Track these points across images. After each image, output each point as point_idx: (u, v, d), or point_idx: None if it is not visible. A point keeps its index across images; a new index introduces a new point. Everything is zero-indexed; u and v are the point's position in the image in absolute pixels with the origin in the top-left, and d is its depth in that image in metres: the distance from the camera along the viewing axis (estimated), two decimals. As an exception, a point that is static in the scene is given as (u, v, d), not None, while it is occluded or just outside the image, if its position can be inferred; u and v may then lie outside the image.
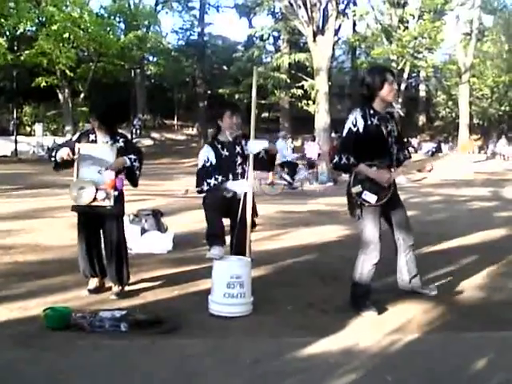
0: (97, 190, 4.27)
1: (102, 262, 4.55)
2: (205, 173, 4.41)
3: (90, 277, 4.54)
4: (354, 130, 3.92)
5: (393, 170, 4.10)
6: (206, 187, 4.36)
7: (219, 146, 4.47)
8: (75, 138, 4.56)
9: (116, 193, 4.35)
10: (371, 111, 3.98)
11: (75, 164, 4.34)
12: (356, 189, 3.94)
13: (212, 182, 4.35)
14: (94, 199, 4.28)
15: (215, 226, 4.28)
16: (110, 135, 4.44)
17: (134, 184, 4.60)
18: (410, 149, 34.45)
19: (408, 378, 3.02)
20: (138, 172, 4.51)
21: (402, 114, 4.07)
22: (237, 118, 4.50)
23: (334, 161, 3.97)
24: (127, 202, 4.63)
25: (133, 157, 4.43)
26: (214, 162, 4.42)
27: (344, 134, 4.00)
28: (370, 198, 3.92)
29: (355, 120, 3.93)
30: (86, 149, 4.37)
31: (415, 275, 4.40)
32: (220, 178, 4.35)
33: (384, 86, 3.94)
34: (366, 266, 4.07)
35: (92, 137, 4.45)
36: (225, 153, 4.44)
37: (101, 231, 4.47)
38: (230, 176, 4.40)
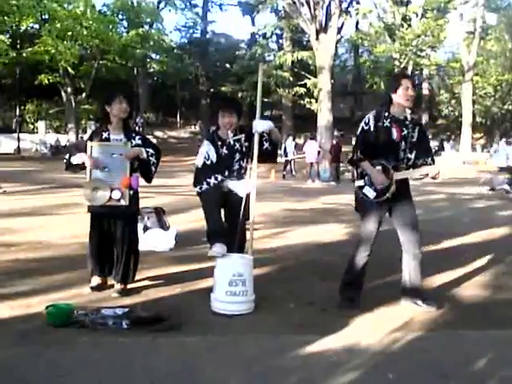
0: (111, 189, 4.23)
1: (112, 261, 4.49)
2: (205, 172, 4.34)
3: (97, 275, 4.51)
4: (366, 128, 4.13)
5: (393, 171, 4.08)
6: (205, 186, 4.31)
7: (219, 143, 4.41)
8: (87, 136, 4.51)
9: (131, 192, 4.31)
10: (386, 114, 4.13)
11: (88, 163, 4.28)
12: (359, 182, 4.17)
13: (212, 181, 4.28)
14: (110, 199, 4.23)
15: (215, 223, 4.27)
16: (123, 133, 4.39)
17: (149, 179, 4.51)
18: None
19: (410, 376, 3.02)
20: (153, 168, 4.45)
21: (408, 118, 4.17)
22: (230, 117, 4.39)
23: (350, 156, 4.26)
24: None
25: (151, 151, 4.39)
26: (214, 159, 4.36)
27: (358, 133, 4.24)
28: (370, 193, 4.09)
29: (368, 120, 4.13)
30: (99, 148, 4.29)
31: (416, 288, 4.20)
32: (220, 177, 4.29)
33: (398, 91, 4.09)
34: (355, 259, 4.19)
35: (105, 135, 4.35)
36: (224, 150, 4.39)
37: (114, 230, 4.39)
38: (226, 172, 4.36)
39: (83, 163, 4.25)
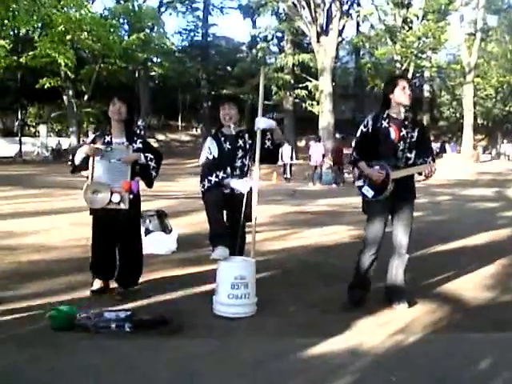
0: (112, 193, 4.23)
1: (115, 265, 4.49)
2: (208, 169, 4.39)
3: (99, 279, 4.51)
4: (364, 130, 4.24)
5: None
6: (207, 184, 4.35)
7: (222, 139, 4.45)
8: (89, 140, 4.51)
9: (131, 196, 4.31)
10: (384, 115, 4.22)
11: (90, 166, 4.30)
12: (358, 183, 4.28)
13: (213, 179, 4.34)
14: (109, 202, 4.24)
15: (218, 226, 4.26)
16: (125, 136, 4.41)
17: (149, 184, 4.53)
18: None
19: (412, 379, 3.01)
20: (153, 172, 4.46)
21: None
22: (229, 109, 4.44)
23: (350, 158, 4.35)
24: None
25: (149, 155, 4.39)
26: (216, 154, 4.40)
27: (357, 134, 4.33)
28: (368, 192, 4.19)
29: (367, 122, 4.25)
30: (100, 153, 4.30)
31: (396, 285, 4.27)
32: (221, 174, 4.33)
33: (395, 91, 4.17)
34: (362, 258, 4.22)
35: (107, 138, 4.38)
36: (227, 146, 4.43)
37: (115, 234, 4.39)
38: (229, 169, 4.38)
39: (87, 163, 4.27)
